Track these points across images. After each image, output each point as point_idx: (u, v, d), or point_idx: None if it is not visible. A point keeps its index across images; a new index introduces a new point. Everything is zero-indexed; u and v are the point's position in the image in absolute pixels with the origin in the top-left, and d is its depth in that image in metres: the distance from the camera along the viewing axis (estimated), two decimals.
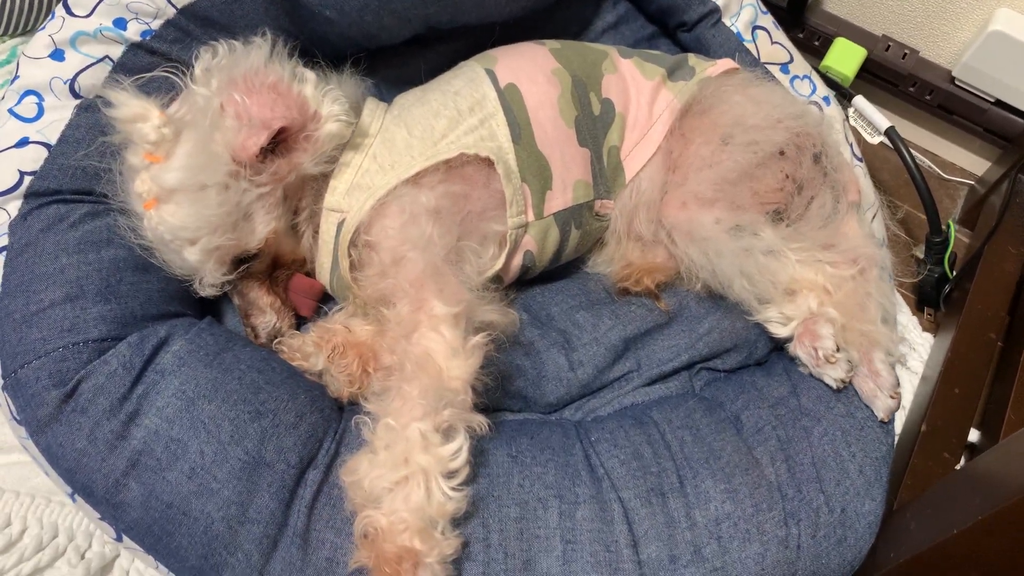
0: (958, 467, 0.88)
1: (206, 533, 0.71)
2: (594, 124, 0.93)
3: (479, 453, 0.78)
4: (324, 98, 0.82)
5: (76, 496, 0.75)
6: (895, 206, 1.28)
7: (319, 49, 0.92)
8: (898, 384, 0.87)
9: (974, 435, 0.94)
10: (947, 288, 1.12)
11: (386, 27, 0.96)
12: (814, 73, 1.10)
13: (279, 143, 0.80)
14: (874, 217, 1.02)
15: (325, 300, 0.94)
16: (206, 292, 0.83)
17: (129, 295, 0.81)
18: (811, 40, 1.34)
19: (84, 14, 0.85)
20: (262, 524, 0.72)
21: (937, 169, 1.37)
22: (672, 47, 1.14)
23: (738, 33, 1.07)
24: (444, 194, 0.84)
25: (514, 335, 0.87)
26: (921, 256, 1.16)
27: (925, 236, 1.14)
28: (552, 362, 0.91)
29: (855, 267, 0.89)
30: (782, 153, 0.89)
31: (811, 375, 0.89)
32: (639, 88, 0.95)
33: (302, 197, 0.87)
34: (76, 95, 0.85)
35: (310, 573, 0.72)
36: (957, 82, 1.25)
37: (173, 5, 0.88)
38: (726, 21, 1.07)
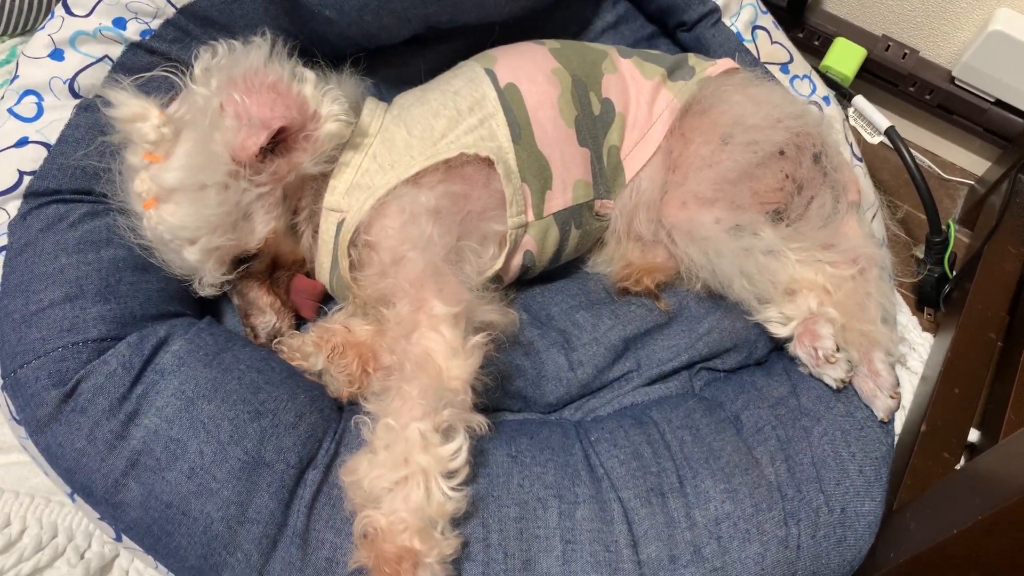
0: (958, 467, 0.88)
1: (205, 533, 0.71)
2: (594, 124, 0.92)
3: (479, 453, 0.78)
4: (324, 98, 0.82)
5: (75, 496, 0.75)
6: (895, 206, 1.28)
7: (319, 49, 0.92)
8: (898, 384, 0.87)
9: (974, 435, 0.94)
10: (947, 288, 1.12)
11: (386, 27, 0.96)
12: (814, 73, 1.10)
13: (279, 143, 0.80)
14: (874, 217, 1.02)
15: (325, 300, 0.94)
16: (205, 292, 0.83)
17: (128, 295, 0.81)
18: (811, 40, 1.34)
19: (83, 14, 0.85)
20: (261, 524, 0.72)
21: (937, 169, 1.37)
22: (672, 47, 1.14)
23: (738, 33, 1.07)
24: (444, 194, 0.84)
25: (514, 335, 0.87)
26: (921, 256, 1.16)
27: (925, 236, 1.14)
28: (552, 362, 0.91)
29: (855, 267, 0.89)
30: (782, 153, 0.89)
31: (811, 375, 0.89)
32: (639, 88, 0.95)
33: (302, 197, 0.86)
34: (75, 95, 0.85)
35: (310, 573, 0.72)
36: (957, 82, 1.25)
37: (173, 5, 0.88)
38: (726, 21, 1.07)
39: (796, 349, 0.88)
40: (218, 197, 0.77)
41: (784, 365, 0.93)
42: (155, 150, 0.76)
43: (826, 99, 1.08)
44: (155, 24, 0.88)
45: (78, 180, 0.83)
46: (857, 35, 1.30)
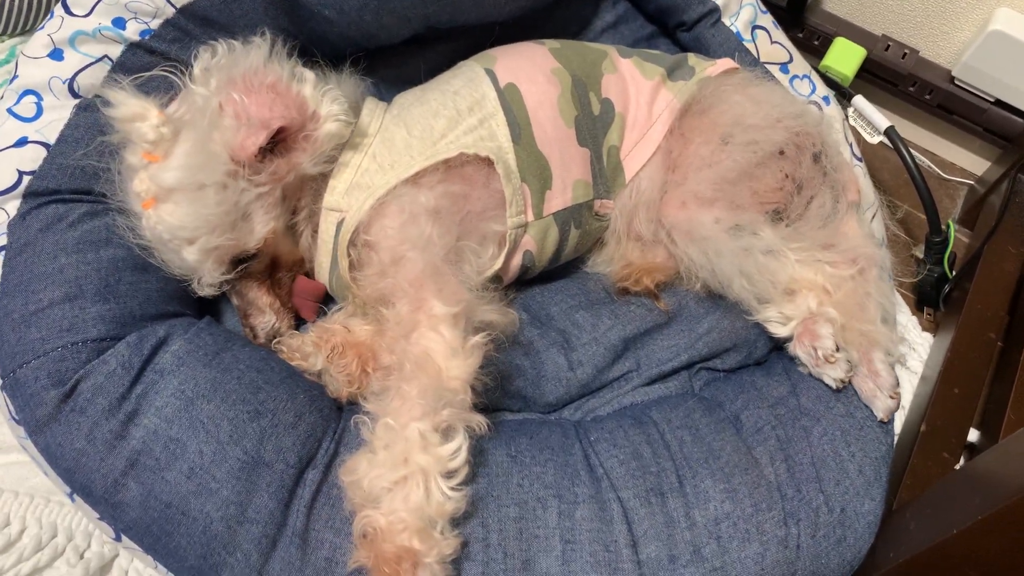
0: (958, 467, 0.88)
1: (205, 533, 0.71)
2: (594, 124, 0.92)
3: (478, 453, 0.78)
4: (323, 98, 0.82)
5: (75, 496, 0.75)
6: (895, 206, 1.28)
7: (318, 49, 0.92)
8: (897, 384, 0.87)
9: (974, 435, 0.94)
10: (947, 288, 1.12)
11: (385, 27, 0.96)
12: (814, 73, 1.10)
13: (278, 143, 0.80)
14: (874, 217, 1.02)
15: (325, 300, 0.94)
16: (204, 292, 0.83)
17: (128, 295, 0.81)
18: (811, 40, 1.34)
19: (83, 13, 0.85)
20: (261, 524, 0.72)
21: (937, 169, 1.37)
22: (671, 47, 1.14)
23: (737, 33, 1.07)
24: (443, 194, 0.84)
25: (513, 335, 0.87)
26: (921, 256, 1.16)
27: (925, 236, 1.14)
28: (551, 362, 0.91)
29: (855, 267, 0.89)
30: (782, 153, 0.89)
31: (810, 375, 0.89)
32: (639, 88, 0.95)
33: (301, 197, 0.86)
34: (75, 94, 0.85)
35: (309, 573, 0.72)
36: (957, 82, 1.25)
37: (172, 5, 0.88)
38: (725, 21, 1.07)
39: (796, 349, 0.88)
40: (217, 197, 0.77)
41: (784, 365, 0.93)
42: (154, 150, 0.76)
43: (826, 99, 1.08)
44: (154, 24, 0.88)
45: (77, 180, 0.83)
46: (857, 35, 1.30)
